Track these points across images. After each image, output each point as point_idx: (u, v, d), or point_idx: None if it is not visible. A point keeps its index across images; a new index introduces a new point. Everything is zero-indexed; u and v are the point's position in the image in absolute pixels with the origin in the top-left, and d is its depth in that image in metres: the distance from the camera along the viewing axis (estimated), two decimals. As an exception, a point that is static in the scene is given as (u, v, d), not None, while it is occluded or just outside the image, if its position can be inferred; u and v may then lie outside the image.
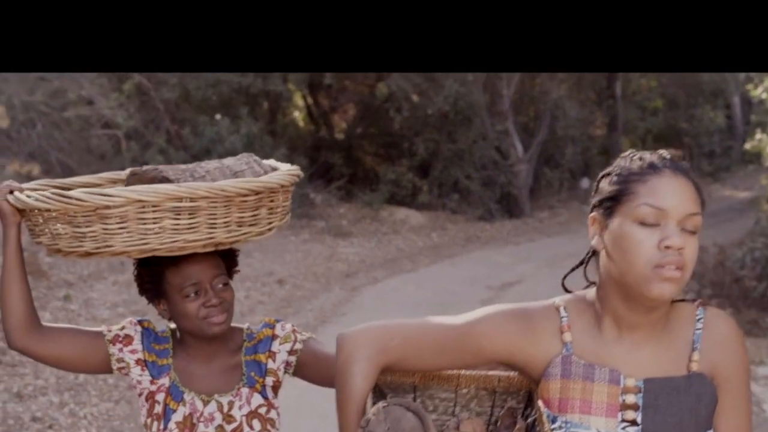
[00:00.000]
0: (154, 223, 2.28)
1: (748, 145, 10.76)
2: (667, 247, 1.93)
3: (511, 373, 2.29)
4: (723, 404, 2.05)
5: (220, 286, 2.56)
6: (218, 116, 15.94)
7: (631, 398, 2.03)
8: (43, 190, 2.42)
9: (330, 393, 2.20)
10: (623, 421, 2.02)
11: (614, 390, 2.03)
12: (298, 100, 20.52)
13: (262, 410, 2.63)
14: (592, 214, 2.06)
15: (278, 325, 2.68)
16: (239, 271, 2.69)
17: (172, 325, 2.68)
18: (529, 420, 2.27)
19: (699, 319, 2.08)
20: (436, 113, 17.84)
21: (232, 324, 2.65)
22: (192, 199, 2.27)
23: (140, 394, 2.63)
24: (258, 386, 2.64)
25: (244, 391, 2.63)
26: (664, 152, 2.08)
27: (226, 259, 2.63)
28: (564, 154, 19.65)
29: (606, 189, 2.04)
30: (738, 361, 2.07)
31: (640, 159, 2.04)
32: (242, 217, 2.39)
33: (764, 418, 6.55)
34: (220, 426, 2.58)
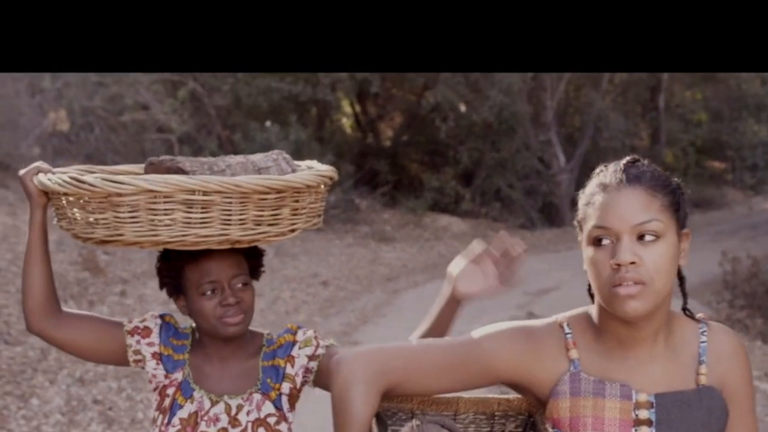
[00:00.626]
0: (165, 214, 2.19)
1: None
2: (618, 265, 1.87)
3: (510, 397, 2.23)
4: (732, 419, 2.00)
5: (240, 285, 2.46)
6: (268, 123, 16.27)
7: (644, 413, 1.95)
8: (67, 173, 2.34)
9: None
10: None
11: (627, 405, 1.96)
12: (346, 108, 20.78)
13: (272, 420, 2.48)
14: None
15: (300, 331, 2.56)
16: (264, 271, 2.60)
17: (194, 324, 2.60)
18: None
19: (703, 332, 2.02)
20: (481, 123, 18.01)
21: (254, 329, 2.59)
22: (205, 193, 2.17)
23: (155, 389, 2.54)
24: (273, 394, 2.51)
25: (256, 396, 2.50)
26: (622, 163, 1.98)
27: (250, 258, 2.53)
28: (607, 164, 19.58)
29: (577, 212, 2.02)
30: (744, 374, 2.03)
31: (598, 177, 1.99)
32: (260, 216, 2.25)
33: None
34: (224, 429, 2.46)
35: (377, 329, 9.31)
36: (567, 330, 2.02)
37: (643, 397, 1.94)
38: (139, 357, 2.52)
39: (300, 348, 2.51)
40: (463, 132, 18.61)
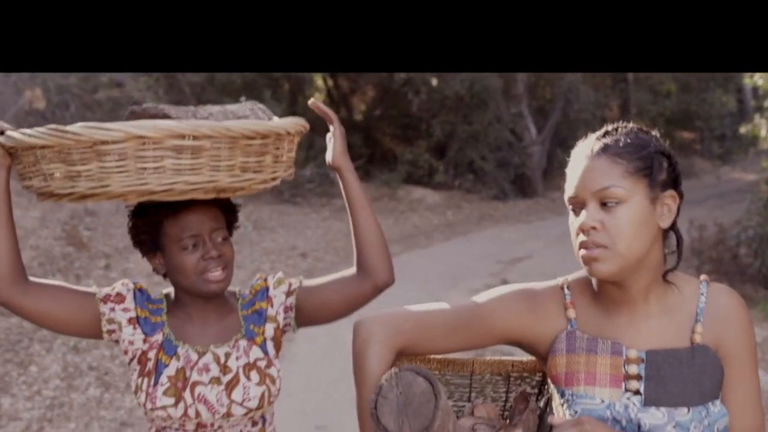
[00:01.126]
0: (154, 161, 2.10)
1: (743, 129, 11.02)
2: (582, 230, 1.96)
3: (525, 359, 2.30)
4: (730, 378, 2.03)
5: (220, 240, 2.42)
6: (243, 98, 16.42)
7: (633, 369, 2.00)
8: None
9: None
10: (627, 390, 2.00)
11: (617, 361, 2.02)
12: (319, 82, 20.84)
13: (261, 363, 2.47)
14: None
15: (269, 277, 2.59)
16: (239, 227, 2.59)
17: (165, 290, 2.56)
18: (542, 403, 2.30)
19: (703, 293, 2.05)
20: (453, 96, 18.18)
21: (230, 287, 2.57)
22: (195, 137, 2.10)
23: (132, 359, 2.46)
24: (258, 339, 2.51)
25: (242, 342, 2.49)
26: (594, 135, 2.06)
27: (227, 213, 2.51)
28: (577, 136, 19.57)
29: None
30: (742, 334, 2.04)
31: (573, 151, 2.07)
32: (246, 162, 2.21)
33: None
34: (216, 378, 2.42)
35: (357, 298, 9.43)
36: (566, 291, 2.11)
37: (633, 354, 2.00)
38: (113, 327, 2.43)
39: (275, 288, 2.53)
40: (436, 105, 18.77)
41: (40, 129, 2.11)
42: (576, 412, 2.01)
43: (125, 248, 10.28)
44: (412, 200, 16.92)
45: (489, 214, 16.55)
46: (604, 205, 1.95)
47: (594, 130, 2.09)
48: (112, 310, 2.42)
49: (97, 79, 15.21)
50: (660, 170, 1.97)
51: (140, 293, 2.48)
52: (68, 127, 2.07)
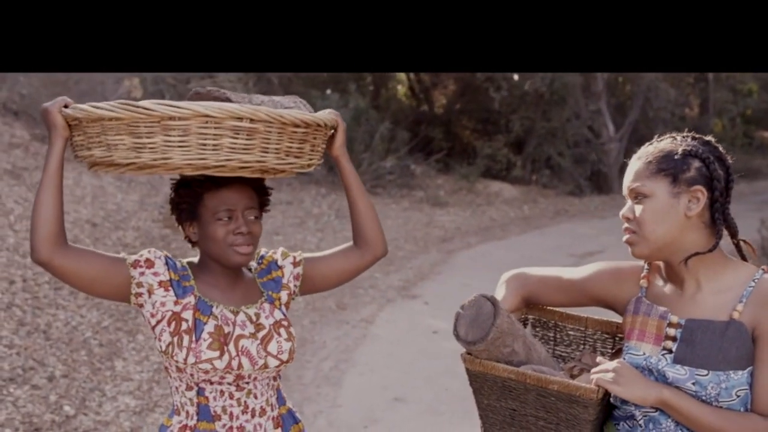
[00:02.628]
0: (214, 139, 2.27)
1: None
2: (623, 218, 2.45)
3: None
4: (761, 355, 2.29)
5: (252, 218, 2.64)
6: (329, 91, 16.74)
7: (672, 331, 2.39)
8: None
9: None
10: (663, 349, 2.39)
11: (662, 324, 2.41)
12: (401, 76, 21.00)
13: (285, 323, 2.73)
14: None
15: (272, 251, 2.88)
16: (269, 210, 2.77)
17: (185, 260, 2.73)
18: None
19: (755, 279, 2.35)
20: (533, 93, 18.28)
21: None
22: (252, 120, 2.29)
23: (160, 321, 2.58)
24: (276, 304, 2.76)
25: (267, 305, 2.73)
26: (658, 138, 2.50)
27: (260, 194, 2.72)
28: (655, 134, 18.83)
29: None
30: None
31: None
32: (290, 147, 2.42)
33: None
34: (253, 333, 2.63)
35: (433, 285, 9.79)
36: (645, 267, 2.57)
37: (674, 320, 2.39)
38: (141, 290, 2.56)
39: (283, 259, 2.83)
40: (515, 101, 18.81)
41: (111, 103, 2.29)
42: (624, 359, 2.43)
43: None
44: (490, 194, 17.04)
45: (564, 209, 16.67)
46: (636, 199, 2.41)
47: (672, 129, 2.52)
48: (142, 274, 2.57)
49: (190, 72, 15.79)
50: (684, 170, 2.36)
51: (168, 258, 2.65)
52: (140, 102, 2.27)
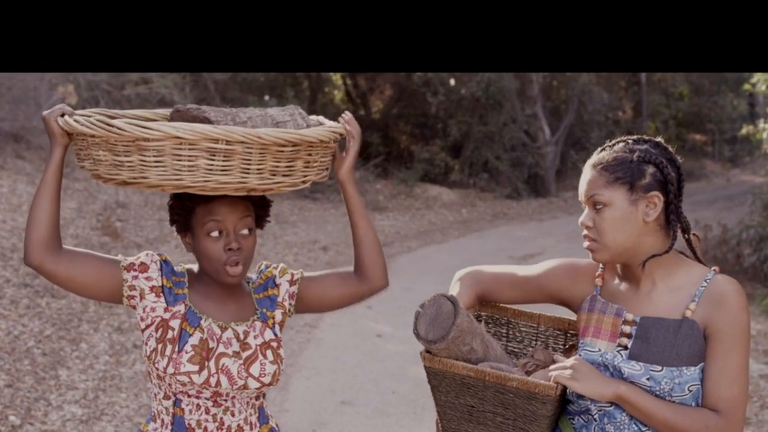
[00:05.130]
0: (189, 161, 2.25)
1: (744, 131, 11.24)
2: (582, 225, 2.49)
3: None
4: (711, 351, 2.36)
5: (244, 232, 2.57)
6: (267, 97, 16.74)
7: (627, 328, 2.44)
8: (92, 116, 2.38)
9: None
10: (619, 345, 2.45)
11: (617, 321, 2.46)
12: (338, 81, 21.02)
13: (274, 344, 2.66)
14: None
15: (272, 267, 2.79)
16: (269, 221, 2.74)
17: (187, 265, 2.70)
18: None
19: (707, 280, 2.40)
20: (469, 97, 18.43)
21: None
22: (228, 142, 2.24)
23: (149, 326, 2.57)
24: (269, 322, 2.69)
25: (258, 324, 2.67)
26: (610, 143, 2.53)
27: (258, 207, 2.66)
28: (590, 137, 19.98)
29: None
30: (731, 317, 2.35)
31: None
32: (276, 167, 2.35)
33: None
34: (236, 352, 2.59)
35: (377, 289, 9.84)
36: (601, 266, 2.59)
37: (630, 317, 2.44)
38: (133, 293, 2.55)
39: (281, 277, 2.75)
40: (452, 106, 18.96)
41: (92, 118, 2.30)
42: (579, 356, 2.48)
43: (156, 239, 10.60)
44: (429, 198, 17.16)
45: (503, 213, 16.83)
46: (595, 207, 2.44)
47: (606, 132, 2.67)
48: (135, 278, 2.55)
49: (126, 77, 15.57)
50: (640, 177, 2.41)
51: (165, 264, 2.62)
52: (115, 121, 2.26)
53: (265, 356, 2.61)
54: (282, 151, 2.34)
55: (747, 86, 10.95)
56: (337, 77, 20.75)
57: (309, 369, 6.92)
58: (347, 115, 2.68)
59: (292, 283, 2.74)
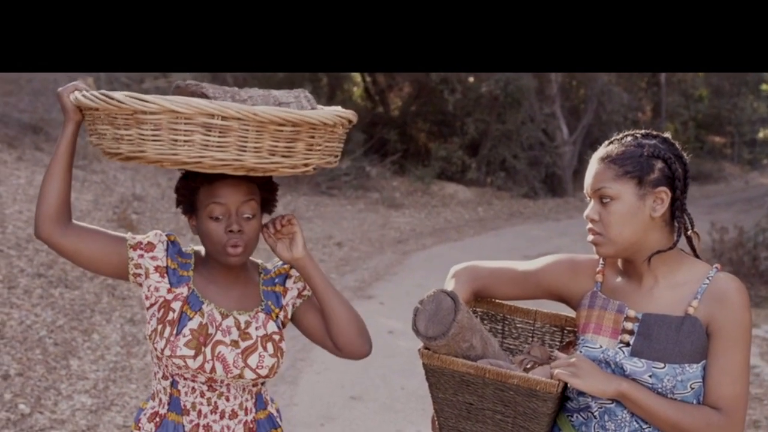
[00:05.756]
0: (185, 135, 2.24)
1: (761, 134, 11.22)
2: (588, 219, 2.46)
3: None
4: (714, 349, 2.36)
5: (247, 215, 2.54)
6: None
7: (629, 325, 2.43)
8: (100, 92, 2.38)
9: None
10: (620, 342, 2.43)
11: (619, 318, 2.44)
12: (357, 78, 21.09)
13: (276, 337, 2.64)
14: None
15: (293, 269, 2.72)
16: (276, 206, 2.71)
17: (196, 247, 2.72)
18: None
19: (709, 277, 2.40)
20: (488, 95, 18.38)
21: (253, 258, 2.72)
22: (224, 118, 2.22)
23: (152, 304, 2.60)
24: (273, 315, 2.67)
25: (261, 315, 2.65)
26: (617, 136, 2.51)
27: (265, 191, 2.64)
28: (608, 137, 19.24)
29: None
30: (733, 314, 2.35)
31: None
32: (275, 146, 2.31)
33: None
34: (235, 341, 2.58)
35: (389, 285, 9.84)
36: (601, 262, 2.58)
37: (632, 313, 2.43)
38: (139, 271, 2.58)
39: (294, 282, 2.71)
40: (470, 104, 18.94)
41: (95, 93, 2.33)
42: (580, 352, 2.46)
43: (172, 231, 10.68)
44: (445, 195, 17.17)
45: (519, 212, 16.82)
46: (601, 200, 2.41)
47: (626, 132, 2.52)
48: (141, 256, 2.58)
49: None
50: (649, 172, 2.39)
51: (172, 245, 2.64)
52: (114, 94, 2.28)
53: (265, 348, 2.60)
54: (281, 131, 2.31)
55: (765, 87, 10.91)
56: (356, 75, 20.75)
57: (319, 364, 6.93)
58: (287, 217, 2.64)
59: (299, 295, 2.72)
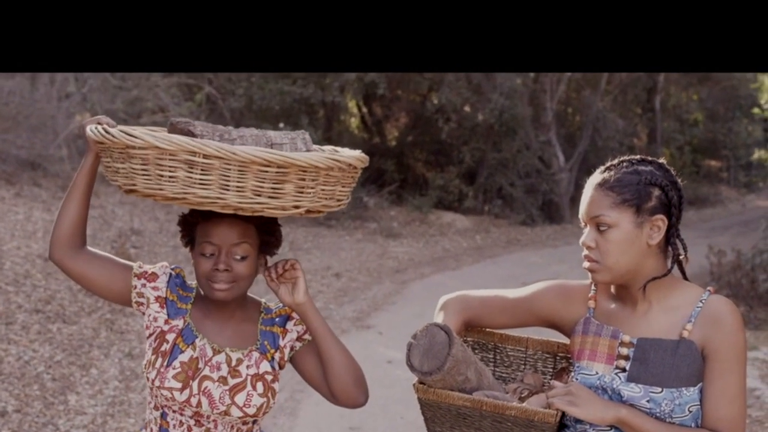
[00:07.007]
0: (170, 171, 2.28)
1: (756, 155, 11.23)
2: (584, 245, 2.45)
3: (569, 341, 2.66)
4: (710, 371, 2.36)
5: (238, 257, 2.56)
6: (281, 125, 16.69)
7: (624, 351, 2.42)
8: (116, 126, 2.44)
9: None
10: (617, 368, 2.43)
11: (614, 344, 2.44)
12: (353, 109, 21.10)
13: (268, 377, 2.63)
14: None
15: (294, 312, 2.73)
16: (277, 251, 2.72)
17: None
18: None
19: (702, 300, 2.40)
20: (483, 124, 18.44)
21: (252, 295, 2.74)
22: (205, 156, 2.24)
23: (151, 334, 2.64)
24: (268, 356, 2.67)
25: (255, 354, 2.65)
26: (601, 167, 2.51)
27: (264, 233, 2.65)
28: (604, 164, 19.49)
29: None
30: (728, 337, 2.35)
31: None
32: (260, 187, 2.30)
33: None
34: (224, 377, 2.59)
35: (388, 315, 9.83)
36: (593, 288, 2.57)
37: (626, 339, 2.42)
38: (141, 300, 2.63)
39: (294, 324, 2.72)
40: (466, 133, 19.00)
41: (99, 127, 2.40)
42: (576, 380, 2.46)
43: (170, 263, 10.69)
44: (443, 224, 17.16)
45: (516, 239, 16.81)
46: (598, 228, 2.41)
47: None
48: (144, 285, 2.63)
49: (142, 104, 15.71)
50: (647, 200, 2.39)
51: (176, 278, 2.69)
52: (112, 129, 2.35)
53: (254, 387, 2.61)
54: (265, 171, 2.29)
55: (757, 110, 10.97)
56: (352, 105, 20.77)
57: (318, 395, 6.89)
58: (291, 262, 2.63)
59: (299, 339, 2.72)
